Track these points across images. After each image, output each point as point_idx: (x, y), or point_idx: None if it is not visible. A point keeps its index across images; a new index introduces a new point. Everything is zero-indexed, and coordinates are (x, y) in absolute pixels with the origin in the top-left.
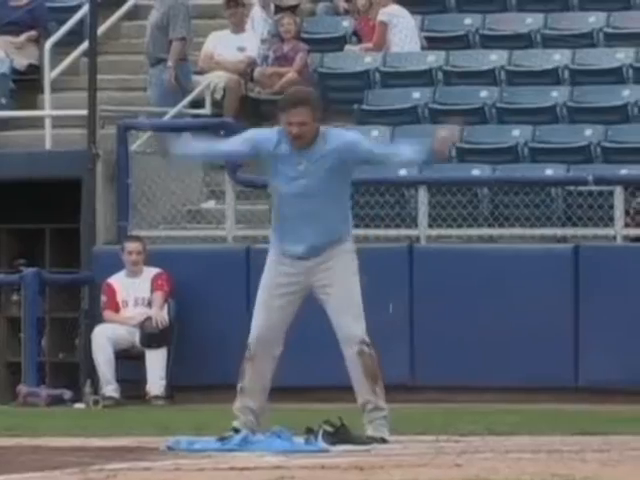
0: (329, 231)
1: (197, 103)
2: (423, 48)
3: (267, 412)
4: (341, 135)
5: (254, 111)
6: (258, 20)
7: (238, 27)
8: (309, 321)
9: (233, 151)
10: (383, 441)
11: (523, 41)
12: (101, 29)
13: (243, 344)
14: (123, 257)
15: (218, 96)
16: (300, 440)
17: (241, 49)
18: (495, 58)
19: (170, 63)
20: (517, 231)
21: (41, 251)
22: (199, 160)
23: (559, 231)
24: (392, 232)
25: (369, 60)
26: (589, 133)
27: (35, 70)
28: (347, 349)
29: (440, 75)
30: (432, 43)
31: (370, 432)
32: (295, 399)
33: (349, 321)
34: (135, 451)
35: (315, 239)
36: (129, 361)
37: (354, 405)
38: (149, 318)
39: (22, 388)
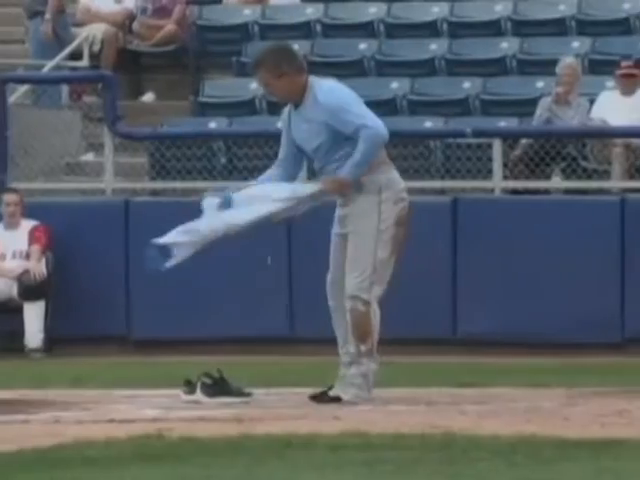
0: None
1: (76, 55)
2: (302, 0)
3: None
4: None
5: (133, 64)
6: None
7: None
8: (191, 274)
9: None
10: (337, 400)
11: None
12: None
13: (121, 296)
14: (0, 209)
15: (96, 48)
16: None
17: (118, 1)
18: (374, 10)
19: (48, 15)
20: None
21: None
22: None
23: (438, 183)
24: None
25: (248, 12)
26: (467, 86)
27: None
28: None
29: (319, 27)
30: None
31: (333, 389)
32: (174, 352)
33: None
34: (13, 404)
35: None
36: (7, 314)
37: (233, 357)
38: (27, 271)
39: None
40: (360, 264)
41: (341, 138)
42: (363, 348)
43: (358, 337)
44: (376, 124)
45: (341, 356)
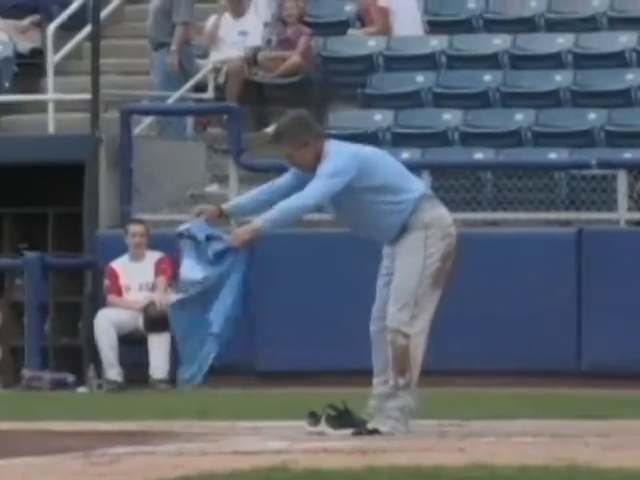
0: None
1: (200, 87)
2: (426, 32)
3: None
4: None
5: (257, 95)
6: (262, 3)
7: (237, 11)
8: (315, 306)
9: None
10: (375, 432)
11: (527, 25)
12: (104, 13)
13: (247, 328)
14: (126, 240)
15: (221, 80)
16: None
17: (243, 33)
18: (499, 42)
19: (174, 47)
20: (521, 215)
21: (44, 235)
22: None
23: (563, 215)
24: None
25: (372, 44)
26: (592, 117)
27: (38, 54)
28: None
29: (444, 59)
30: (435, 27)
31: (371, 422)
32: (299, 383)
33: (390, 308)
34: (138, 435)
35: (378, 238)
36: (132, 345)
37: (358, 389)
38: (152, 302)
39: (26, 372)
40: (402, 297)
41: (352, 188)
42: (401, 382)
43: (397, 370)
44: (312, 198)
45: (374, 387)
